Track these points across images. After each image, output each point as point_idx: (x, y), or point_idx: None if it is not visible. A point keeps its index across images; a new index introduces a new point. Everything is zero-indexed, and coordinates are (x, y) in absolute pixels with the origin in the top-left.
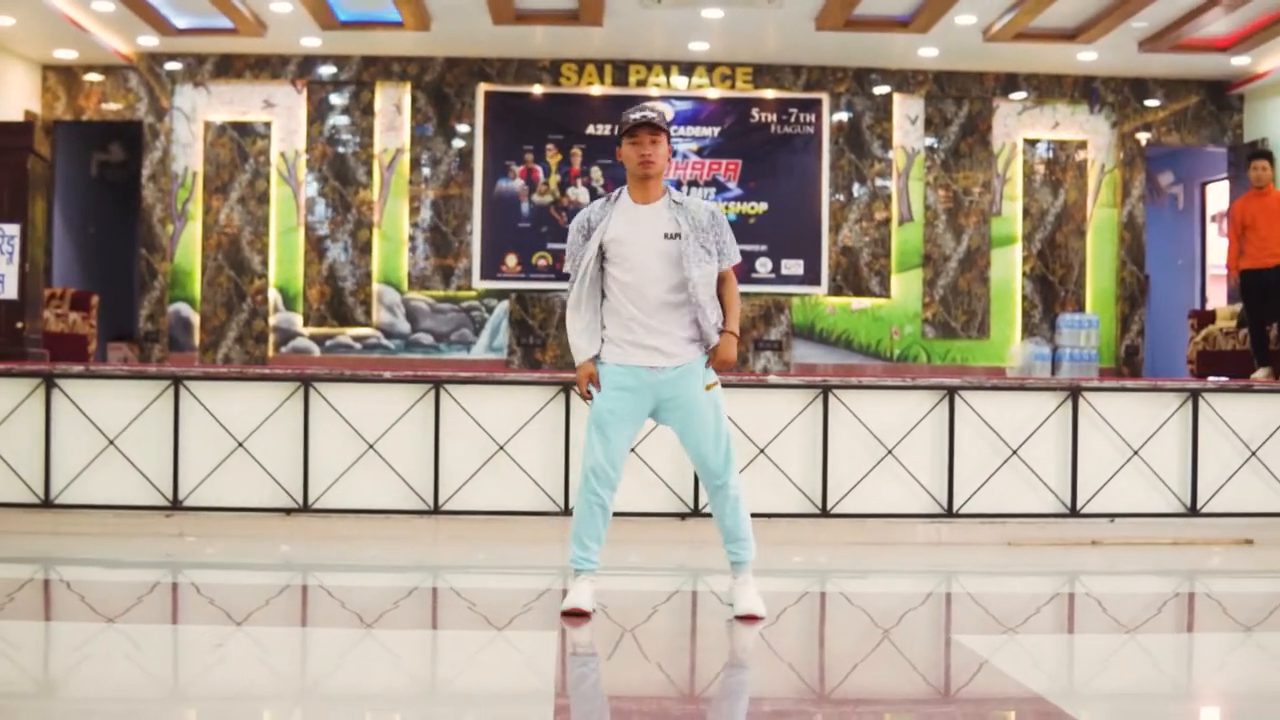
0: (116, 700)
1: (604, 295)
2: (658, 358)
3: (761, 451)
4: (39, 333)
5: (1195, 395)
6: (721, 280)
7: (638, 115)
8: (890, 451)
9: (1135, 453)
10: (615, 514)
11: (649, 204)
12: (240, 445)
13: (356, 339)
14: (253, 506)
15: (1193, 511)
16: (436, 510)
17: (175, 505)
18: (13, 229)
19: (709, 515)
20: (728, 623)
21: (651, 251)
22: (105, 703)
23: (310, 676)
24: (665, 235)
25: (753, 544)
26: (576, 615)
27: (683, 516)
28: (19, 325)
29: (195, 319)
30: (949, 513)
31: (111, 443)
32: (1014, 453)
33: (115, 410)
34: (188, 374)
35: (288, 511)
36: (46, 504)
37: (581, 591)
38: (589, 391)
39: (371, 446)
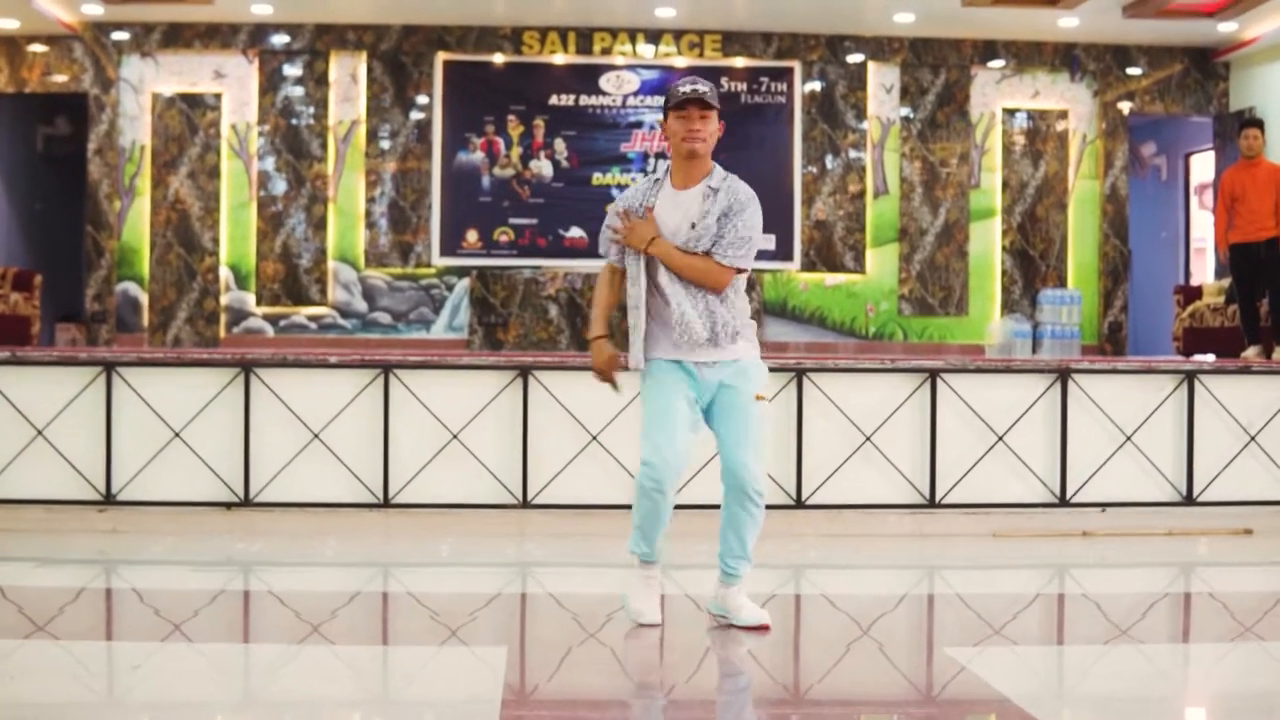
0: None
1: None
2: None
3: None
4: None
5: (1191, 377)
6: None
7: (687, 89)
8: (869, 439)
9: (1128, 438)
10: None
11: (687, 189)
12: (177, 435)
13: (311, 318)
14: (191, 500)
15: (1189, 500)
16: (386, 503)
17: (109, 500)
18: None
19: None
20: (714, 627)
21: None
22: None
23: (253, 687)
24: (691, 226)
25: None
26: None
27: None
28: None
29: (144, 299)
30: (931, 503)
31: (40, 433)
32: (1000, 439)
33: (44, 398)
34: (120, 359)
35: (228, 506)
36: None
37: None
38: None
39: (317, 436)
